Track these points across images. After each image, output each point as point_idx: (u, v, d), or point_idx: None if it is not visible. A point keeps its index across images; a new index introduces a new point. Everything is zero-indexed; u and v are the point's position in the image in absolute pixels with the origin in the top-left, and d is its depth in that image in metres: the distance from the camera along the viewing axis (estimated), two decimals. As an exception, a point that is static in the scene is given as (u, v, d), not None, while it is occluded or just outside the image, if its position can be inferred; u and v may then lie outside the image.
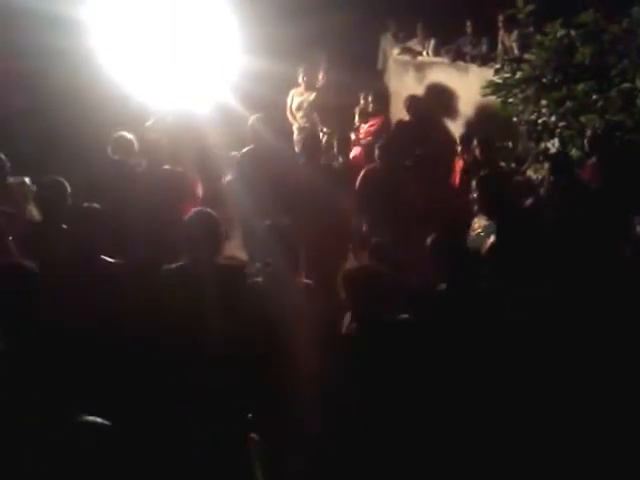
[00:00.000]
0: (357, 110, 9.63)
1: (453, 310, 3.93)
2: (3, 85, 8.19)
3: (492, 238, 4.74)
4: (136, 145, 6.69)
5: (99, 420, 2.81)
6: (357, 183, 6.55)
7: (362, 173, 6.61)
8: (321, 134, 9.30)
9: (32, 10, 7.48)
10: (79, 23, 7.83)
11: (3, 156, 5.70)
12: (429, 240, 4.19)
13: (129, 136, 6.70)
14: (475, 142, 7.02)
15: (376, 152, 6.58)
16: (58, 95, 7.95)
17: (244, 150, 6.74)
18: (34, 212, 5.52)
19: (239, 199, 6.40)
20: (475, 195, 4.90)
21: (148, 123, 7.75)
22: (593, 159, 6.22)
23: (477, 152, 6.96)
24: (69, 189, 4.96)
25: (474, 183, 4.94)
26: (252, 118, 6.75)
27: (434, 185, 6.47)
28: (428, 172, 6.52)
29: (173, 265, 4.14)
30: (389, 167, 6.46)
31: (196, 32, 8.17)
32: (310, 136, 7.21)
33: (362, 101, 9.58)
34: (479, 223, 5.08)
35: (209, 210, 4.26)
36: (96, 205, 4.52)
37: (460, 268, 4.04)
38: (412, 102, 9.32)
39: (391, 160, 6.45)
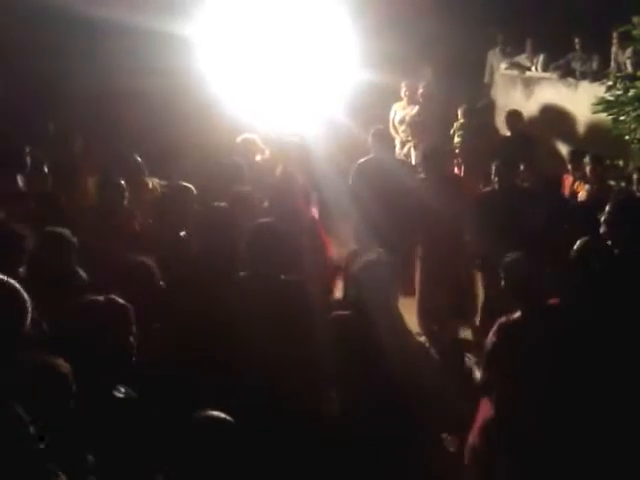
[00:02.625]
0: (456, 125, 9.54)
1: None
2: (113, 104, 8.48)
3: None
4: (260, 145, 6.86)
5: (222, 415, 2.80)
6: (474, 203, 6.47)
7: (479, 193, 6.55)
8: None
9: (144, 30, 7.79)
10: (191, 41, 8.12)
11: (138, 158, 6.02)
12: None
13: (254, 136, 6.90)
14: (586, 159, 6.93)
15: (493, 172, 6.48)
16: (170, 112, 8.22)
17: (361, 160, 6.78)
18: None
19: (350, 211, 6.50)
20: None
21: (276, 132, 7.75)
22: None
23: (587, 169, 6.87)
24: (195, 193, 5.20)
25: None
26: (373, 129, 6.82)
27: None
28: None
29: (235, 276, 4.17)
30: (507, 187, 6.24)
31: (309, 45, 8.34)
32: (431, 149, 7.02)
33: (460, 115, 9.49)
34: None
35: (272, 223, 4.24)
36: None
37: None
38: (513, 118, 9.06)
39: (509, 180, 6.27)
